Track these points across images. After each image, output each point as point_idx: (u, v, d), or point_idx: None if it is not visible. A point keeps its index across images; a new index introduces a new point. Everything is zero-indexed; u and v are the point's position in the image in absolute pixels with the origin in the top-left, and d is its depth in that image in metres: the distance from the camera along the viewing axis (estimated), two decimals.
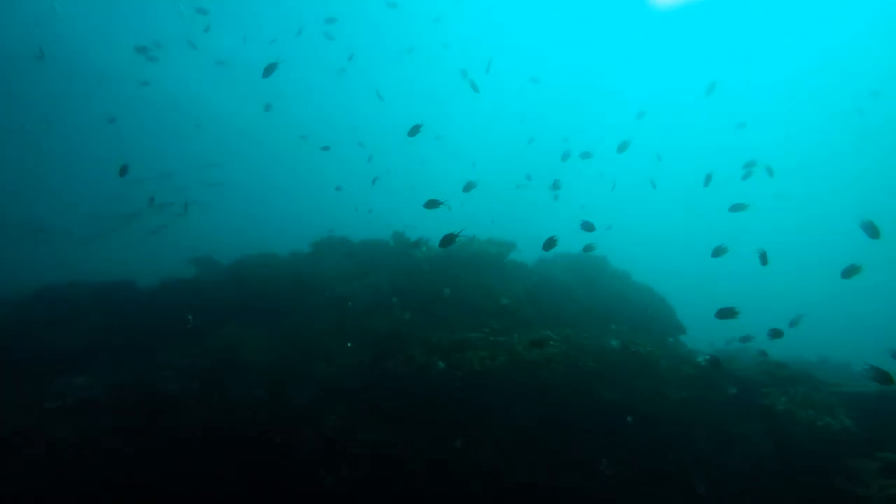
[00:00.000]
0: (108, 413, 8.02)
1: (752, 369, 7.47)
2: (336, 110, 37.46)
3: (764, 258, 7.28)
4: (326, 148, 14.52)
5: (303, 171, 46.93)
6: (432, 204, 7.81)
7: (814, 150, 40.48)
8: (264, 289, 11.42)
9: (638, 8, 30.25)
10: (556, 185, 8.94)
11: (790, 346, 8.48)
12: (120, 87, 27.47)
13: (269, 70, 10.06)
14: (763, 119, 37.22)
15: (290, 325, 10.05)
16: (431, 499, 6.54)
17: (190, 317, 8.64)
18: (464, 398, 7.20)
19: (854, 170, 41.11)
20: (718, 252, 8.06)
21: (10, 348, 9.81)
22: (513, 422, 6.94)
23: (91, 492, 6.70)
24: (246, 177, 46.81)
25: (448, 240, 7.21)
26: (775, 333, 6.74)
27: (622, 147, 10.71)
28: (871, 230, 6.50)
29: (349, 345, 8.77)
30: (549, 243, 7.37)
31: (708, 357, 7.07)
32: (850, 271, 7.07)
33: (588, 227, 7.93)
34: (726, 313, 6.77)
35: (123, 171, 8.50)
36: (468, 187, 9.14)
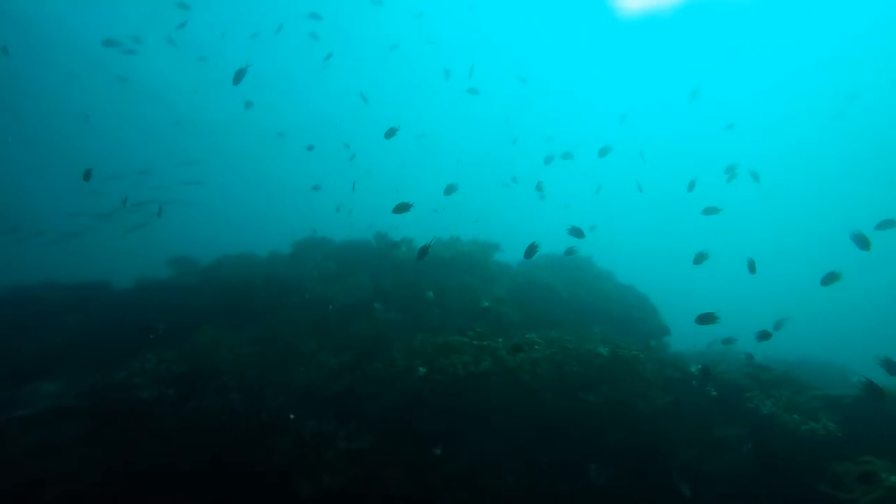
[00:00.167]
0: (79, 421, 7.74)
1: (736, 372, 7.44)
2: (318, 108, 37.07)
3: (752, 266, 7.23)
4: (310, 147, 14.29)
5: (285, 169, 46.42)
6: (402, 208, 7.69)
7: (797, 153, 41.09)
8: (243, 290, 11.17)
9: (624, 11, 30.43)
10: (539, 188, 8.81)
11: (772, 346, 8.47)
12: (96, 83, 26.81)
13: (240, 76, 9.88)
14: (745, 123, 37.72)
15: (268, 327, 9.80)
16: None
17: (160, 327, 8.34)
18: (447, 404, 7.06)
19: (838, 172, 41.80)
20: (700, 259, 7.99)
21: None
22: (497, 428, 6.81)
23: None
24: (226, 175, 46.15)
25: (423, 252, 7.19)
26: (763, 335, 6.72)
27: (603, 152, 10.62)
28: (862, 242, 6.47)
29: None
30: (531, 250, 7.30)
31: (700, 367, 7.01)
32: (829, 279, 7.04)
33: (577, 233, 7.81)
34: (706, 318, 6.73)
35: (87, 175, 8.18)
36: (449, 190, 9.00)
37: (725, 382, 7.16)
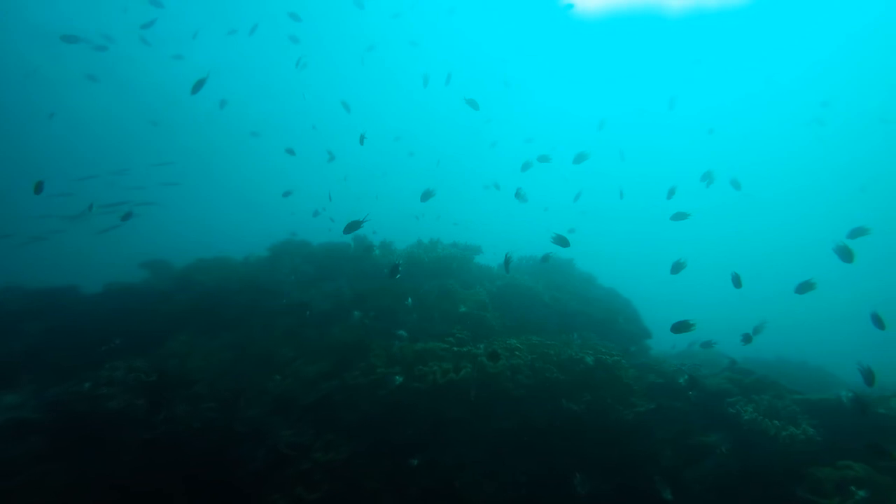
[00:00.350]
0: (42, 435, 7.40)
1: (718, 377, 7.43)
2: (296, 108, 36.65)
3: (737, 281, 7.19)
4: (291, 151, 13.98)
5: (263, 171, 45.78)
6: (352, 227, 7.62)
7: (776, 158, 41.87)
8: (218, 295, 10.86)
9: (605, 17, 30.67)
10: (518, 194, 8.69)
11: (750, 346, 8.45)
12: (64, 80, 26.07)
13: (198, 86, 9.71)
14: (725, 128, 38.30)
15: (244, 334, 9.54)
16: None
17: (116, 340, 8.02)
18: (427, 412, 6.90)
19: (816, 176, 42.71)
20: (677, 268, 7.93)
21: None
22: (479, 436, 6.67)
23: None
24: (203, 176, 45.34)
25: (393, 271, 7.36)
26: (746, 339, 6.73)
27: (579, 158, 10.55)
28: (845, 254, 6.46)
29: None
30: (508, 262, 7.30)
31: (687, 378, 6.96)
32: (804, 287, 7.04)
33: (561, 241, 7.68)
34: (681, 327, 6.73)
35: (38, 188, 7.83)
36: (426, 196, 8.86)
37: (707, 387, 7.13)
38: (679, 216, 9.67)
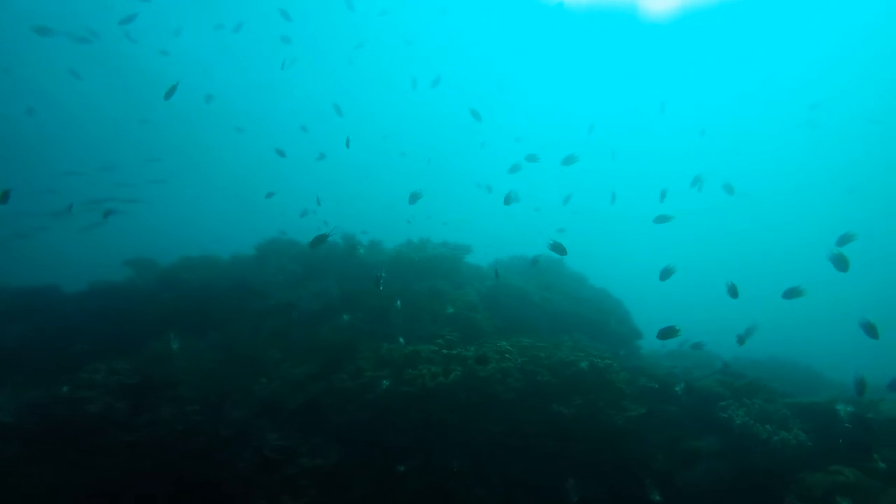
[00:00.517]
0: (19, 440, 7.20)
1: (710, 379, 7.37)
2: (285, 105, 36.37)
3: (734, 291, 7.08)
4: (281, 153, 13.76)
5: (254, 169, 45.32)
6: (318, 241, 7.75)
7: (767, 160, 42.15)
8: (203, 295, 10.67)
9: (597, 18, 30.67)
10: (508, 200, 8.59)
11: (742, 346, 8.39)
12: (48, 76, 25.64)
13: (171, 92, 9.61)
14: (720, 129, 38.46)
15: (229, 334, 9.36)
16: None
17: (80, 346, 7.79)
18: (416, 416, 6.78)
19: (808, 178, 43.04)
20: (666, 274, 7.86)
21: None
22: (469, 441, 6.57)
23: None
24: (192, 174, 44.85)
25: (377, 282, 7.55)
26: (740, 340, 6.70)
27: (568, 160, 10.44)
28: (841, 263, 6.40)
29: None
30: (496, 275, 7.24)
31: (683, 385, 6.89)
32: (791, 293, 6.99)
33: (558, 249, 7.56)
34: (668, 333, 6.65)
35: (5, 197, 7.61)
36: (413, 198, 8.74)
37: (699, 390, 7.08)
38: (662, 219, 9.60)
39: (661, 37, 31.19)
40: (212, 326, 9.83)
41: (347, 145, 9.15)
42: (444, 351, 7.56)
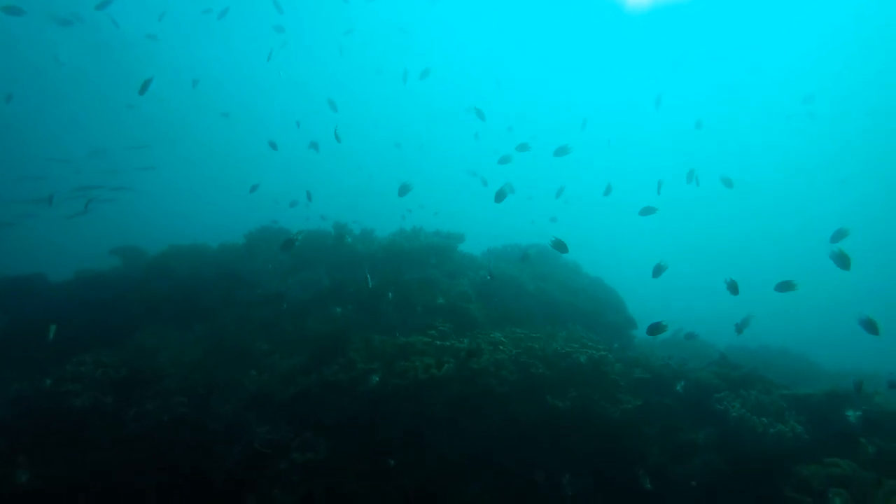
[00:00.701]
0: (2, 434, 7.04)
1: (706, 371, 7.30)
2: (277, 92, 35.84)
3: (734, 287, 7.00)
4: (273, 145, 13.49)
5: (247, 158, 44.77)
6: (288, 245, 7.79)
7: (764, 152, 42.17)
8: (192, 284, 10.48)
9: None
10: (499, 197, 8.42)
11: (733, 334, 8.35)
12: (30, 62, 25.02)
13: (145, 87, 9.50)
14: (715, 120, 38.39)
15: (218, 325, 9.20)
16: None
17: (52, 331, 7.56)
18: (409, 409, 6.67)
19: (804, 170, 43.12)
20: (658, 271, 7.83)
21: None
22: (462, 435, 6.46)
23: None
24: (182, 161, 44.22)
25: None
26: (739, 329, 6.65)
27: (560, 151, 10.29)
28: (842, 261, 6.31)
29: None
30: (490, 275, 7.82)
31: (683, 383, 6.81)
32: (784, 286, 6.90)
33: (560, 246, 7.44)
34: (656, 329, 6.70)
35: None
36: (403, 190, 8.58)
37: (695, 382, 7.00)
38: (647, 210, 9.53)
39: (651, 27, 31.03)
40: (200, 317, 9.66)
41: (338, 140, 8.93)
42: (438, 342, 7.44)
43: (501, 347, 7.18)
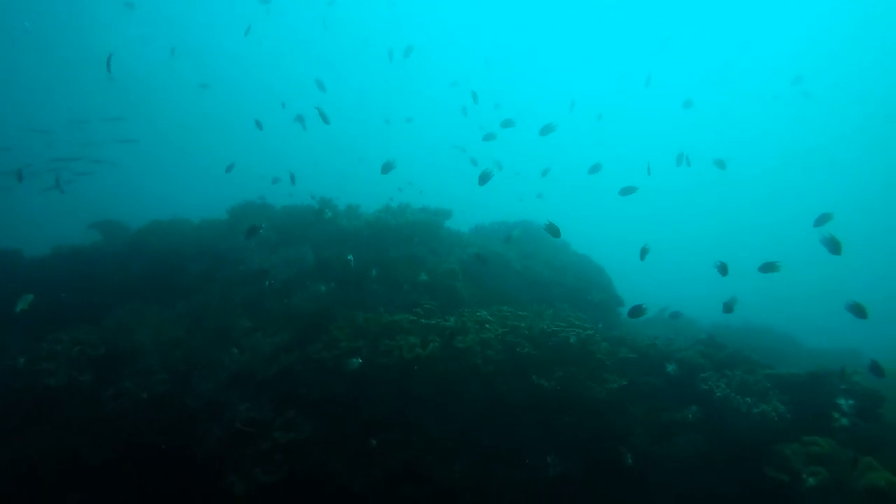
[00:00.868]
0: None
1: (691, 350, 7.30)
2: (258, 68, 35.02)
3: (723, 269, 7.00)
4: (259, 125, 13.12)
5: (233, 131, 43.81)
6: (251, 232, 7.88)
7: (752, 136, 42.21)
8: (173, 261, 10.24)
9: None
10: (483, 180, 8.30)
11: (717, 312, 8.39)
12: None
13: (108, 65, 9.20)
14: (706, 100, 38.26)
15: (199, 303, 9.01)
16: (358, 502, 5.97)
17: (25, 301, 7.31)
18: (393, 389, 6.60)
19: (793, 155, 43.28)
20: (643, 253, 7.88)
21: None
22: (448, 415, 6.42)
23: None
24: (166, 134, 43.22)
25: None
26: (727, 308, 6.67)
27: (546, 130, 10.12)
28: (833, 245, 6.27)
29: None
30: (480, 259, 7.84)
31: (674, 366, 6.79)
32: (767, 267, 6.92)
33: (553, 231, 7.41)
34: (636, 312, 6.83)
35: None
36: (386, 168, 8.39)
37: (681, 361, 7.00)
38: (627, 190, 9.48)
39: (640, 6, 30.63)
40: (181, 294, 9.45)
41: (325, 121, 8.72)
42: (423, 321, 7.33)
43: (488, 326, 7.10)
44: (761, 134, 42.42)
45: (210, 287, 9.37)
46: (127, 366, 7.59)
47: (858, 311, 5.90)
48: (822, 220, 7.59)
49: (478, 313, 7.62)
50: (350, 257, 7.73)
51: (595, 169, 10.25)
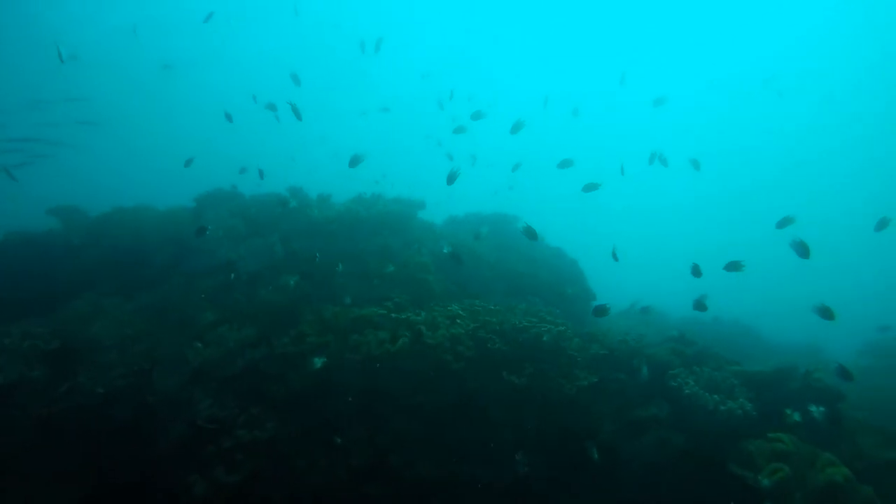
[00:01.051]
0: None
1: (661, 347, 7.34)
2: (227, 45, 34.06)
3: (696, 271, 7.06)
4: (229, 117, 12.66)
5: (203, 116, 42.59)
6: (200, 232, 7.95)
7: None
8: (134, 249, 9.86)
9: None
10: (450, 179, 8.23)
11: (687, 307, 8.47)
12: None
13: (60, 55, 8.95)
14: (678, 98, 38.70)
15: (162, 295, 8.69)
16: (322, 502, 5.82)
17: None
18: (361, 386, 6.45)
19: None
20: (615, 256, 8.01)
21: None
22: (416, 412, 6.30)
23: None
24: (132, 118, 41.79)
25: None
26: (699, 306, 6.71)
27: (516, 128, 10.00)
28: (802, 250, 6.34)
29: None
30: (455, 257, 7.53)
31: (646, 368, 6.79)
32: (732, 266, 6.99)
33: (530, 234, 7.38)
34: (600, 311, 7.03)
35: None
36: (354, 161, 8.19)
37: (651, 358, 7.02)
38: (590, 187, 9.45)
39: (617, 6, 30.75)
40: (143, 285, 9.11)
41: (298, 117, 8.49)
42: (394, 315, 7.20)
43: (459, 321, 7.00)
44: (735, 129, 43.21)
45: (174, 278, 9.05)
46: (83, 361, 7.26)
47: (826, 313, 5.99)
48: (784, 222, 7.70)
49: (449, 307, 7.50)
50: (317, 255, 7.50)
51: (566, 164, 10.16)
